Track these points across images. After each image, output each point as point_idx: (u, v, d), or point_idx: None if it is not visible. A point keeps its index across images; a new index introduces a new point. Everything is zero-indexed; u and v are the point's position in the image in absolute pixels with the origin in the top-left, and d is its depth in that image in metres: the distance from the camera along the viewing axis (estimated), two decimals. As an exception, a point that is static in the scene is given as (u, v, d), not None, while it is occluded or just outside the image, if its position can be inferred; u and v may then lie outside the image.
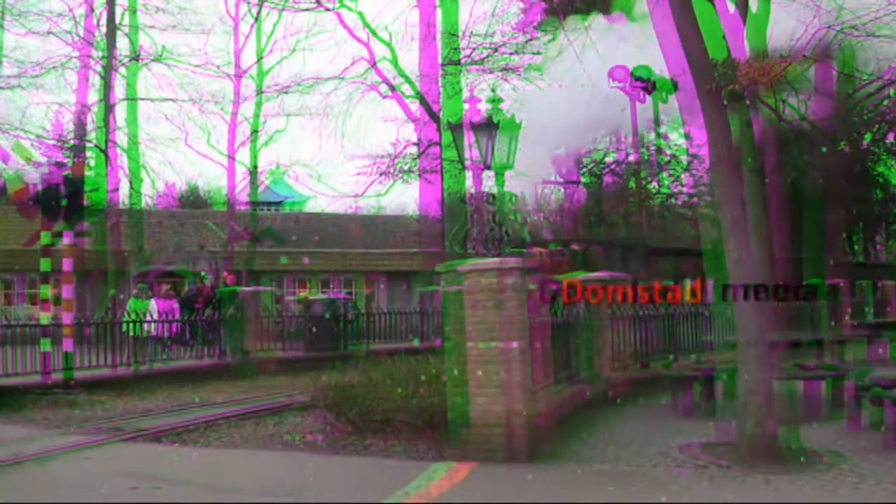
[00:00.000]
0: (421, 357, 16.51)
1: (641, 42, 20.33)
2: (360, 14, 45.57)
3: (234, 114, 47.31)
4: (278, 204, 61.48)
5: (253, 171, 48.81)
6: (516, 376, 12.62)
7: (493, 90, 23.95)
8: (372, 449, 13.93)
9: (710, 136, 13.37)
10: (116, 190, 43.92)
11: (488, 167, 22.46)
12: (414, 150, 41.84)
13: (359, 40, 44.88)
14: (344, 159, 59.89)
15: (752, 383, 12.70)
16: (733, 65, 13.18)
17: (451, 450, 12.88)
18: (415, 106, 44.01)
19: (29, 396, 19.43)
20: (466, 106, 23.81)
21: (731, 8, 16.49)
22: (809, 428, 14.40)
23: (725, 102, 13.29)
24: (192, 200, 59.20)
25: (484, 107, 23.57)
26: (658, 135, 37.55)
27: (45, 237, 20.99)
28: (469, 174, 26.40)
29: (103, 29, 42.46)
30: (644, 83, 32.25)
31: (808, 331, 22.93)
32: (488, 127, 22.10)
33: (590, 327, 18.34)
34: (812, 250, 31.71)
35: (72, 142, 39.90)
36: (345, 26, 44.87)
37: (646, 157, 38.08)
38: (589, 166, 37.98)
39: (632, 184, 38.22)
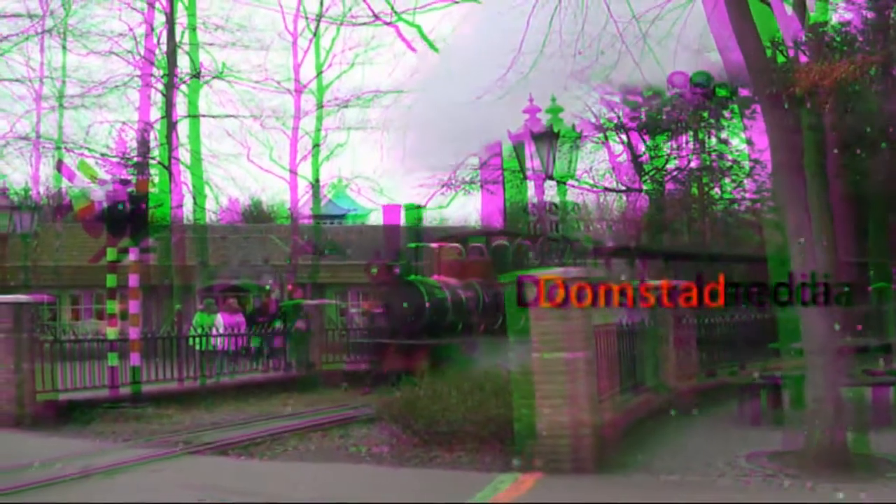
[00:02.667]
0: (486, 368, 16.46)
1: (700, 46, 20.17)
2: (419, 27, 45.78)
3: (296, 128, 47.63)
4: (341, 217, 61.74)
5: (315, 185, 49.09)
6: (582, 386, 12.57)
7: (552, 100, 23.91)
8: (438, 461, 13.92)
9: (771, 140, 13.26)
10: (180, 206, 44.39)
11: (550, 177, 22.42)
12: (475, 160, 41.85)
13: (415, 52, 44.99)
14: (405, 171, 59.83)
15: (820, 390, 12.58)
16: (793, 68, 13.06)
17: (518, 461, 12.84)
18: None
19: (97, 410, 19.61)
20: (526, 116, 23.69)
21: (789, 10, 16.35)
22: (879, 435, 14.21)
23: (786, 106, 13.16)
24: (256, 215, 59.58)
25: (544, 116, 23.54)
26: (720, 140, 37.28)
27: (111, 253, 21.19)
28: (531, 184, 26.36)
29: (164, 47, 42.90)
30: (704, 88, 32.01)
31: (876, 336, 22.57)
32: (549, 136, 22.07)
33: (655, 335, 18.23)
34: (878, 254, 31.24)
35: (135, 159, 40.26)
36: (402, 39, 45.08)
37: (707, 163, 37.81)
38: (651, 173, 37.74)
39: (694, 190, 37.97)
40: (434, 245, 25.77)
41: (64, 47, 46.16)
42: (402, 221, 25.69)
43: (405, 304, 22.81)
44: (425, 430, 14.79)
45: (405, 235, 24.78)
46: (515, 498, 11.35)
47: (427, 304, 22.73)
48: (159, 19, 43.20)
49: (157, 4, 43.10)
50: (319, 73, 48.44)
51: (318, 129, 48.14)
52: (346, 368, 26.52)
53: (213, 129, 66.64)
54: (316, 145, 47.88)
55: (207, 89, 46.76)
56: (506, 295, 13.39)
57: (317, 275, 45.50)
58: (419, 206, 28.34)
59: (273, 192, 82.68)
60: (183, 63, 44.23)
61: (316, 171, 48.70)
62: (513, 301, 12.99)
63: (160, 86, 43.38)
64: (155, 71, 43.50)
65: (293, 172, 48.33)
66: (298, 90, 47.44)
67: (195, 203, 45.30)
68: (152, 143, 41.88)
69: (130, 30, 43.62)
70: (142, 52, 43.52)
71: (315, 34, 48.60)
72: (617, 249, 32.46)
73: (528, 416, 12.78)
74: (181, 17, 44.28)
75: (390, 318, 23.30)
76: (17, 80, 45.57)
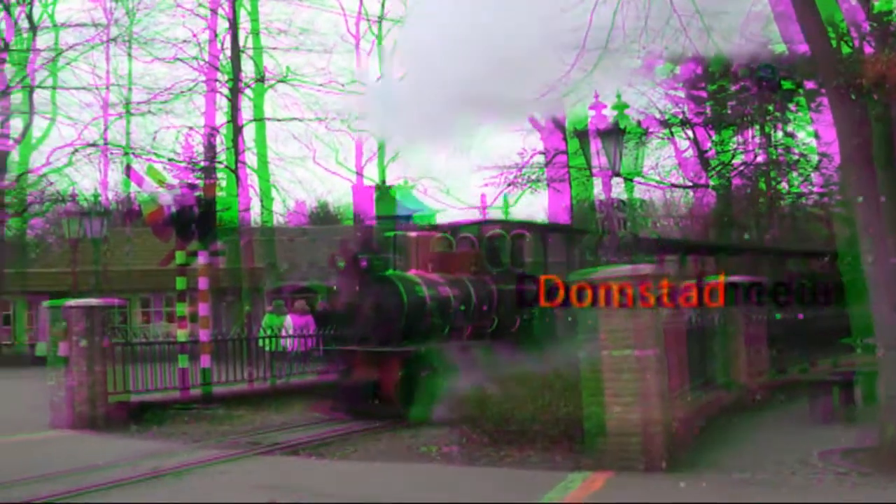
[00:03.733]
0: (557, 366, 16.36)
1: (765, 39, 19.96)
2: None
3: (360, 130, 47.79)
4: (408, 218, 61.89)
5: (381, 186, 49.18)
6: (652, 384, 12.52)
7: (617, 96, 23.79)
8: (507, 460, 13.93)
9: (838, 133, 13.12)
10: (248, 209, 44.70)
11: (617, 174, 22.30)
12: (541, 159, 41.71)
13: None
14: (471, 171, 59.72)
15: (894, 387, 12.42)
16: (858, 59, 12.89)
17: (588, 459, 12.82)
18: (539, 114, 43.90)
19: (168, 412, 19.83)
20: (592, 112, 23.55)
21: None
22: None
23: (853, 97, 12.98)
24: (323, 217, 59.84)
25: (609, 113, 23.41)
26: (786, 134, 36.90)
27: (179, 257, 21.41)
28: (597, 181, 26.22)
29: (228, 52, 43.35)
30: (769, 81, 31.70)
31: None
32: (615, 133, 21.95)
33: (725, 332, 18.12)
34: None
35: (203, 163, 40.65)
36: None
37: (774, 157, 37.45)
38: (717, 168, 37.42)
39: (761, 185, 37.61)
40: (412, 234, 22.43)
41: (129, 55, 46.86)
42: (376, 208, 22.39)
43: (378, 304, 19.73)
44: (495, 430, 14.81)
45: (381, 223, 21.52)
46: (586, 497, 11.32)
47: (404, 304, 19.65)
48: (222, 25, 43.70)
49: (220, 10, 43.57)
50: (382, 75, 48.56)
51: (383, 131, 48.22)
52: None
53: (279, 132, 67.32)
54: (381, 147, 48.05)
55: (272, 93, 47.17)
56: (575, 292, 13.27)
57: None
58: (391, 187, 26.09)
59: (339, 193, 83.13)
60: (247, 67, 44.69)
61: (382, 172, 48.85)
62: (582, 298, 12.96)
63: (225, 90, 43.83)
64: (220, 76, 43.94)
65: (359, 174, 48.54)
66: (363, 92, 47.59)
67: (262, 206, 45.71)
68: (219, 148, 42.23)
69: (194, 36, 44.14)
70: (206, 57, 43.98)
71: (377, 36, 48.84)
72: (684, 245, 32.16)
73: (598, 414, 12.75)
74: (244, 23, 44.84)
75: (360, 320, 20.02)
76: (83, 88, 46.14)
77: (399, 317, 19.52)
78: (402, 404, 18.46)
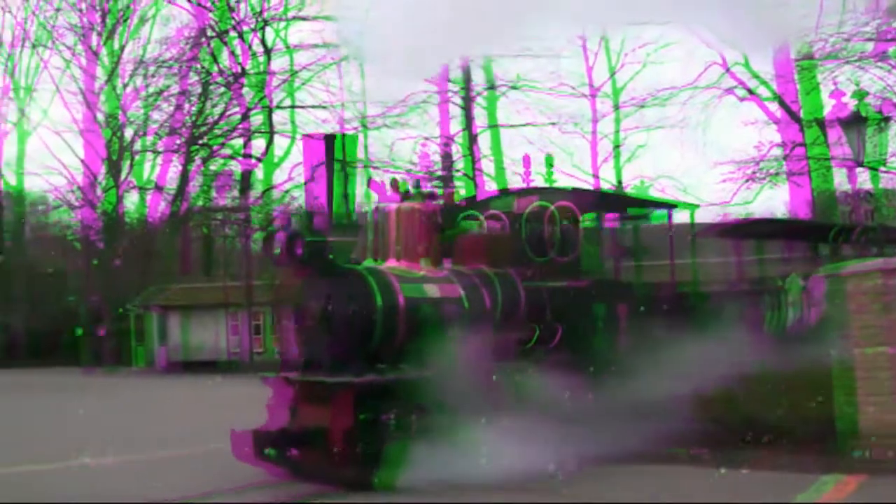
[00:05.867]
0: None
1: None
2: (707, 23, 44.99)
3: (594, 132, 47.88)
4: (645, 217, 61.40)
5: (618, 187, 49.03)
6: (908, 382, 12.05)
7: (855, 84, 23.03)
8: (757, 462, 13.63)
9: None
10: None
11: (860, 164, 21.56)
12: (778, 151, 40.80)
13: (709, 46, 44.32)
14: (707, 167, 58.96)
15: None
16: None
17: (840, 461, 12.44)
18: (773, 106, 43.06)
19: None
20: (832, 101, 22.84)
21: None
22: None
23: None
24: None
25: (849, 101, 22.69)
26: None
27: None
28: (838, 172, 25.47)
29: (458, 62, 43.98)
30: None
31: None
32: (856, 121, 21.23)
33: None
34: None
35: (440, 172, 41.35)
36: (693, 34, 44.44)
37: None
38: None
39: None
40: (390, 206, 14.63)
41: (361, 71, 48.04)
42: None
43: (332, 309, 12.97)
44: (744, 431, 14.52)
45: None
46: (840, 499, 11.01)
47: (377, 309, 13.03)
48: (449, 36, 44.25)
49: (445, 22, 44.17)
50: (612, 75, 48.48)
51: (616, 131, 48.22)
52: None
53: (514, 137, 67.53)
54: (616, 147, 47.92)
55: (504, 100, 47.60)
56: (827, 288, 12.88)
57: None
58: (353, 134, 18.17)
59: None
60: (478, 76, 45.19)
61: (618, 172, 48.75)
62: (832, 294, 12.60)
63: (458, 100, 44.48)
64: (451, 86, 44.60)
65: (595, 176, 48.50)
66: (593, 94, 47.67)
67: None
68: (455, 156, 42.92)
69: (423, 49, 44.82)
70: (437, 69, 44.73)
71: (604, 38, 48.70)
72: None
73: (850, 414, 12.38)
74: (471, 32, 45.23)
75: (303, 335, 13.70)
76: (319, 107, 47.60)
77: (363, 329, 12.99)
78: (362, 463, 12.16)
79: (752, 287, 19.99)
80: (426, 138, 44.71)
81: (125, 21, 46.20)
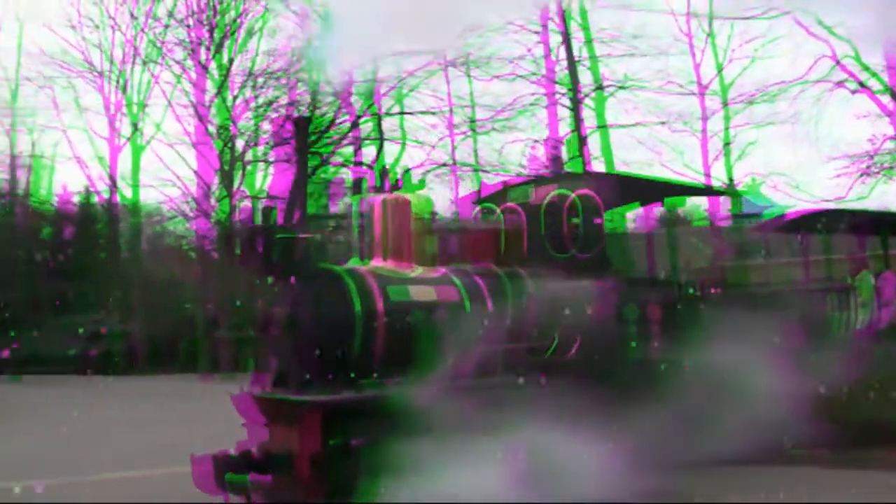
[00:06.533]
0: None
1: None
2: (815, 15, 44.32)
3: (704, 130, 47.40)
4: (757, 215, 60.65)
5: (729, 185, 48.46)
6: None
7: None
8: (876, 463, 13.45)
9: None
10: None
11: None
12: (891, 144, 40.05)
13: (819, 38, 43.59)
14: (820, 162, 57.98)
15: None
16: None
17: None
18: (885, 99, 42.27)
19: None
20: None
21: None
22: None
23: None
24: (671, 218, 59.55)
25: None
26: None
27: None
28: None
29: (563, 64, 43.99)
30: None
31: None
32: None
33: None
34: None
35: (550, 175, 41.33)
36: (802, 27, 43.79)
37: None
38: None
39: None
40: (375, 200, 13.49)
41: (468, 76, 48.16)
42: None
43: (301, 316, 11.31)
44: (864, 430, 14.28)
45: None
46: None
47: (355, 316, 11.32)
48: (555, 38, 44.34)
49: (551, 24, 44.22)
50: (720, 71, 47.99)
51: (726, 129, 47.71)
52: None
53: (623, 138, 67.17)
54: (726, 144, 47.42)
55: (613, 100, 47.40)
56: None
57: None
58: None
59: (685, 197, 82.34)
60: (585, 77, 45.12)
61: (729, 170, 48.17)
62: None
63: (566, 101, 44.42)
64: (559, 88, 44.57)
65: (706, 174, 47.99)
66: (701, 91, 47.24)
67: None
68: (565, 158, 42.80)
69: (528, 51, 45.07)
70: (543, 71, 44.76)
71: (709, 34, 48.25)
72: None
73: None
74: (576, 33, 45.32)
75: (270, 345, 12.08)
76: (428, 113, 47.82)
77: (337, 338, 11.31)
78: (331, 495, 10.61)
79: (818, 286, 18.88)
80: (535, 141, 44.74)
81: (233, 35, 46.85)
